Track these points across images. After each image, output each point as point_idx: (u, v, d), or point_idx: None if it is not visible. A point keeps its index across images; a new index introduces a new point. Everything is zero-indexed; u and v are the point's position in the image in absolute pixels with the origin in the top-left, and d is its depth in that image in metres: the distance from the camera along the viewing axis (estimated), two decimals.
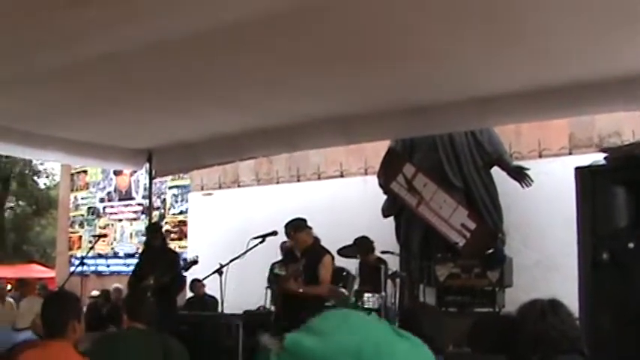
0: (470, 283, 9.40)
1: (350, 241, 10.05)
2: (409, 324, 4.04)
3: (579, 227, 6.64)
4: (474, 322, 8.75)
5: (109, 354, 4.74)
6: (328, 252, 8.55)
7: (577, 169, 6.84)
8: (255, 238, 8.66)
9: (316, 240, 8.61)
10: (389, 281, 9.84)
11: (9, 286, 17.25)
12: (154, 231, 10.52)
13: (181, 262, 10.57)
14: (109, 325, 11.44)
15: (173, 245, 14.15)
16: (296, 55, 6.66)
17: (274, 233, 8.72)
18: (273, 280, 9.68)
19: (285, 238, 9.03)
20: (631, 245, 6.34)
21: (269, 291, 10.73)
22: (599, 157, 7.59)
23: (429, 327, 3.90)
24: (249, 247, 8.57)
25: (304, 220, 8.55)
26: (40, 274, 23.96)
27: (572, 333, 3.29)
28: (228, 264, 8.59)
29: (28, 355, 4.29)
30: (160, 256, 9.93)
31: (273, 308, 9.71)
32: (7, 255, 31.87)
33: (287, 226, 8.54)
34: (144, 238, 11.34)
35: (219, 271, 8.64)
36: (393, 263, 10.18)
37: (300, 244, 8.51)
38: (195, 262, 10.06)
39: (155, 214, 15.08)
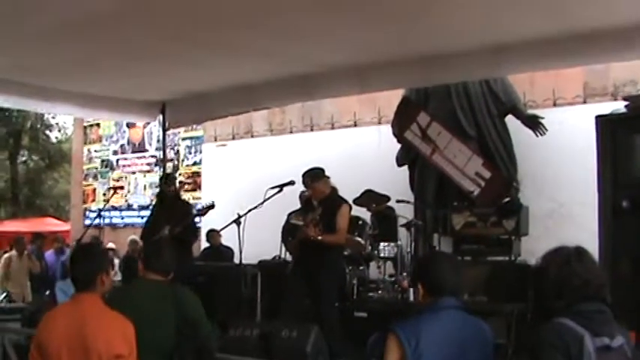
0: (486, 232, 9.39)
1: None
2: (423, 269, 4.07)
3: (599, 175, 6.64)
4: (490, 270, 8.85)
5: (121, 304, 4.75)
6: (346, 201, 8.52)
7: (598, 117, 6.80)
8: (273, 188, 8.60)
9: (334, 189, 8.55)
10: (404, 230, 9.89)
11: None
12: (169, 180, 10.51)
13: (194, 213, 10.57)
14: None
15: (187, 196, 14.23)
16: (311, 1, 6.61)
17: (291, 183, 8.63)
18: (290, 230, 9.63)
19: (304, 188, 8.96)
20: None
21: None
22: (614, 106, 7.56)
23: (443, 271, 3.92)
24: (267, 197, 8.52)
25: (322, 170, 8.49)
26: (55, 227, 24.11)
27: (597, 280, 3.29)
28: (246, 214, 8.57)
29: (59, 309, 4.33)
30: (173, 207, 9.93)
31: (288, 258, 9.70)
32: (21, 209, 31.98)
33: (304, 175, 8.50)
34: (158, 190, 11.33)
35: (237, 222, 8.63)
36: (409, 212, 10.21)
37: (317, 193, 8.46)
38: (212, 206, 9.89)
39: (169, 165, 15.10)
